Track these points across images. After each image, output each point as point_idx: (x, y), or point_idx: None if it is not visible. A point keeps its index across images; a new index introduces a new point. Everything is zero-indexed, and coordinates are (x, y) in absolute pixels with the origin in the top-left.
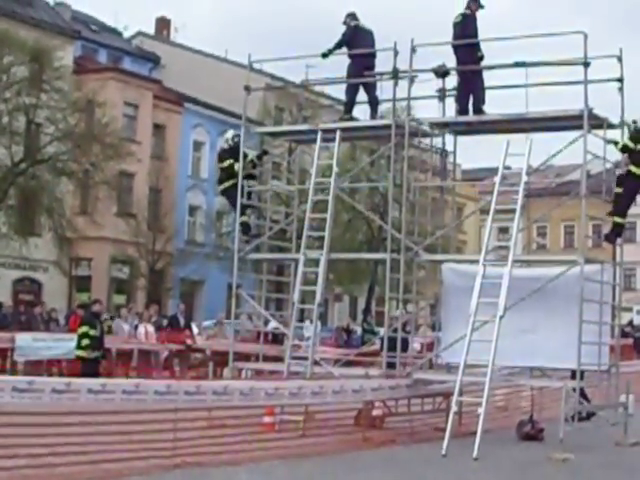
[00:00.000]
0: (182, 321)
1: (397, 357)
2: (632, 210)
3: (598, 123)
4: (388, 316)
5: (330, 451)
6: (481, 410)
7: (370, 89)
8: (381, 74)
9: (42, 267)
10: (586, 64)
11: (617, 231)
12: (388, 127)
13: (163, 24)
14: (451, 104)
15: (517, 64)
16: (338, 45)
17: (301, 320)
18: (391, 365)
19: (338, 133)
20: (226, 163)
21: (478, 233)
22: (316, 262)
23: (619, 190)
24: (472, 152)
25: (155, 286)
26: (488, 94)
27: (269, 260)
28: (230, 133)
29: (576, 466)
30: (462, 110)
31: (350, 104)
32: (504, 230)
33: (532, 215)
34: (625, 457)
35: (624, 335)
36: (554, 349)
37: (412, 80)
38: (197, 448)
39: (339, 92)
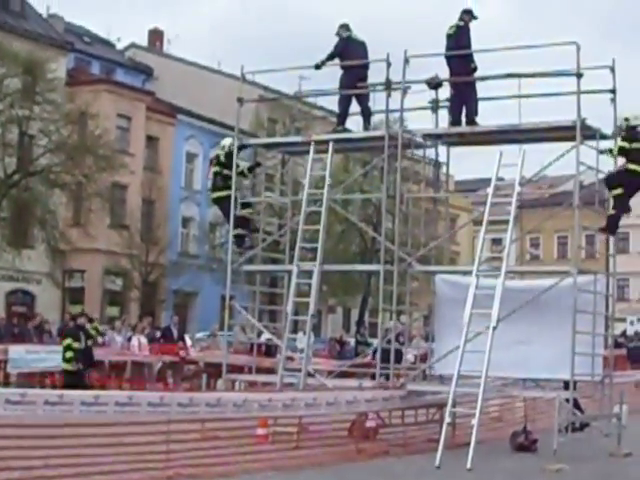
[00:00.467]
0: (175, 333)
1: (391, 368)
2: (625, 221)
3: (591, 134)
4: (381, 327)
5: (324, 463)
6: (475, 421)
7: (363, 100)
8: (374, 85)
9: (35, 279)
10: (579, 75)
11: (616, 225)
12: (381, 138)
13: (156, 36)
14: (444, 115)
15: (510, 75)
16: (330, 56)
17: (294, 332)
18: (385, 377)
19: (331, 144)
20: (213, 169)
21: (471, 244)
22: (309, 274)
23: (619, 191)
24: (465, 163)
25: (148, 298)
26: (481, 105)
27: (262, 272)
28: (228, 141)
29: (570, 477)
30: (455, 121)
31: (343, 115)
32: (497, 241)
33: (525, 226)
34: (619, 468)
35: (617, 346)
36: (547, 360)
37: (405, 91)
38: (190, 460)
39: (332, 103)
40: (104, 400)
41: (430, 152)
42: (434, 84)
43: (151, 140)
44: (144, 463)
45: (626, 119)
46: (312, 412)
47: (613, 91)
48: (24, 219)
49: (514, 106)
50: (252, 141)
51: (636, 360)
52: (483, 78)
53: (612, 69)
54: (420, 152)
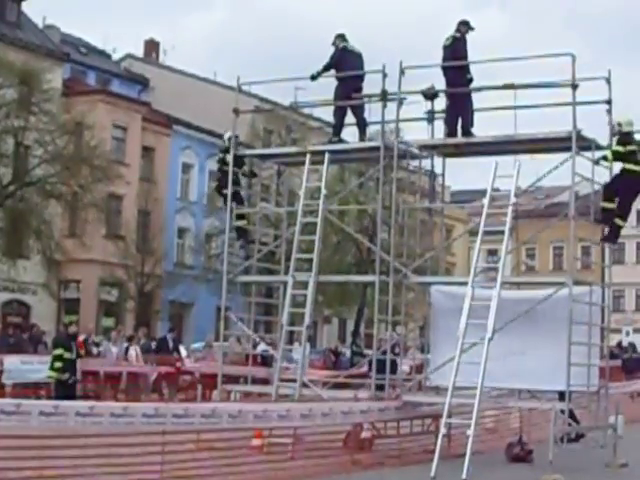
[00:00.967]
0: (171, 344)
1: (386, 379)
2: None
3: (586, 145)
4: (377, 338)
5: (319, 474)
6: (470, 432)
7: (358, 111)
8: (370, 96)
9: (31, 290)
10: (574, 86)
11: (616, 233)
12: (377, 149)
13: (152, 46)
14: (440, 126)
15: (505, 86)
16: (326, 67)
17: (290, 342)
18: (380, 387)
19: (327, 155)
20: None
21: (467, 255)
22: (305, 284)
23: (611, 205)
24: (461, 174)
25: (144, 308)
26: (477, 116)
27: (258, 282)
28: (228, 134)
29: None
30: (451, 132)
31: (339, 126)
32: (493, 252)
33: (521, 237)
34: (615, 479)
35: (613, 356)
36: (543, 371)
37: (401, 102)
38: (185, 471)
39: (328, 114)
40: (99, 411)
41: (426, 163)
42: (430, 95)
43: (147, 151)
44: (139, 474)
45: (619, 124)
46: (307, 423)
47: (609, 102)
48: (19, 229)
49: (510, 117)
50: (248, 152)
51: (631, 371)
52: (479, 89)
53: (608, 80)
54: (416, 163)
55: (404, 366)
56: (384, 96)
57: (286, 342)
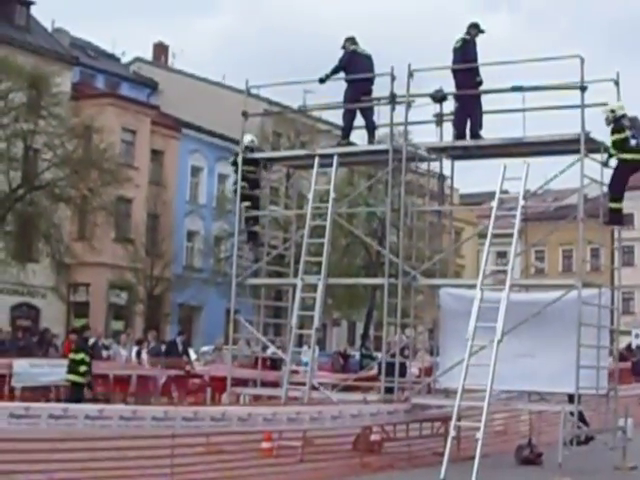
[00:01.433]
0: (180, 347)
1: (395, 382)
2: (630, 234)
3: (595, 147)
4: (386, 341)
5: (328, 476)
6: (479, 434)
7: (367, 114)
8: (378, 99)
9: (40, 293)
10: (583, 88)
11: (616, 217)
12: (385, 152)
13: (161, 50)
14: (448, 128)
15: (514, 89)
16: (335, 70)
17: (299, 345)
18: (389, 390)
19: (335, 158)
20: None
21: (476, 257)
22: (314, 287)
23: (618, 205)
24: (471, 176)
25: (153, 312)
26: (485, 118)
27: (267, 285)
28: (247, 138)
29: None
30: (459, 135)
31: (347, 129)
32: (502, 254)
33: (530, 239)
34: None
35: (622, 359)
36: (552, 373)
37: (409, 105)
38: (195, 474)
39: (337, 117)
40: (108, 414)
41: (435, 165)
42: (438, 97)
43: (156, 154)
44: (149, 477)
45: (612, 110)
46: (317, 426)
47: None
48: (29, 233)
49: (518, 119)
50: (257, 155)
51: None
52: (487, 91)
53: (616, 82)
54: (425, 165)
55: (413, 369)
56: (393, 99)
57: (295, 345)
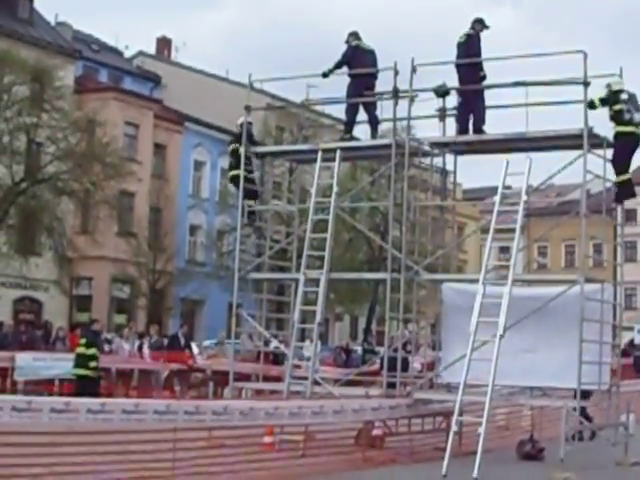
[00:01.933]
0: (183, 341)
1: (397, 377)
2: (632, 230)
3: (598, 142)
4: (388, 336)
5: (330, 471)
6: (481, 430)
7: (370, 109)
8: (381, 94)
9: (42, 286)
10: (586, 83)
11: (626, 190)
12: (388, 147)
13: (164, 44)
14: (451, 123)
15: (517, 83)
16: (338, 65)
17: (302, 340)
18: (391, 385)
19: (338, 153)
20: (231, 147)
21: (479, 252)
22: (316, 282)
23: (624, 177)
24: (474, 171)
25: (156, 306)
26: (488, 113)
27: (270, 280)
28: (241, 119)
29: None
30: (462, 130)
31: (350, 124)
32: (505, 249)
33: (533, 234)
34: (626, 477)
35: (624, 354)
36: (554, 368)
37: (412, 100)
38: (196, 468)
39: (340, 112)
40: (110, 408)
41: (438, 160)
42: (442, 92)
43: (159, 148)
44: (150, 471)
45: (608, 85)
46: (319, 420)
47: None
48: (32, 226)
49: (521, 114)
50: (260, 149)
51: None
52: (490, 86)
53: (620, 77)
54: (427, 160)
55: (415, 364)
56: (396, 93)
57: (297, 339)
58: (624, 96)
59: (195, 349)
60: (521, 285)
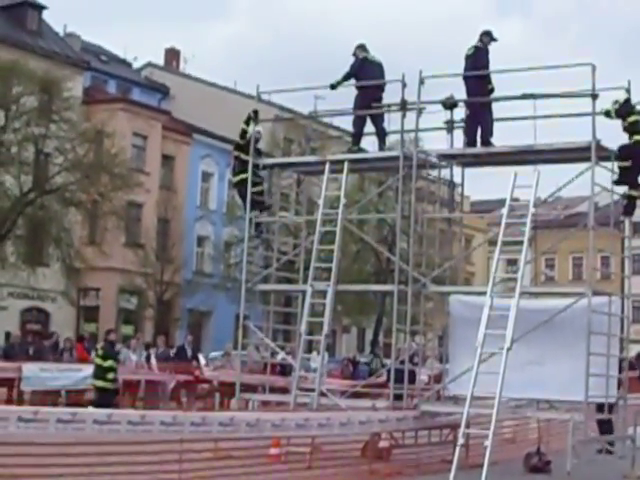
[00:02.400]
0: (189, 352)
1: (404, 389)
2: (639, 243)
3: (606, 155)
4: (395, 348)
5: None
6: (488, 442)
7: (378, 121)
8: (389, 106)
9: (50, 297)
10: (594, 96)
11: (633, 204)
12: (396, 159)
13: (172, 55)
14: (459, 136)
15: (525, 96)
16: (346, 77)
17: (309, 351)
18: (398, 397)
19: (346, 164)
20: (234, 154)
21: (486, 264)
22: (324, 293)
23: (626, 163)
24: (482, 183)
25: (163, 317)
26: (496, 126)
27: (277, 291)
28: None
29: None
30: (470, 142)
31: (358, 135)
32: (513, 262)
33: (540, 247)
34: None
35: (631, 367)
36: (561, 381)
37: (420, 112)
38: (203, 479)
39: (347, 124)
40: (117, 419)
41: (445, 172)
42: (449, 105)
43: (167, 159)
44: None
45: (616, 101)
46: (325, 432)
47: None
48: (39, 237)
49: (529, 127)
50: (268, 161)
51: None
52: (498, 99)
53: (627, 90)
54: (435, 172)
55: (422, 376)
56: (403, 106)
57: (305, 351)
58: (638, 107)
59: (202, 360)
60: (528, 298)
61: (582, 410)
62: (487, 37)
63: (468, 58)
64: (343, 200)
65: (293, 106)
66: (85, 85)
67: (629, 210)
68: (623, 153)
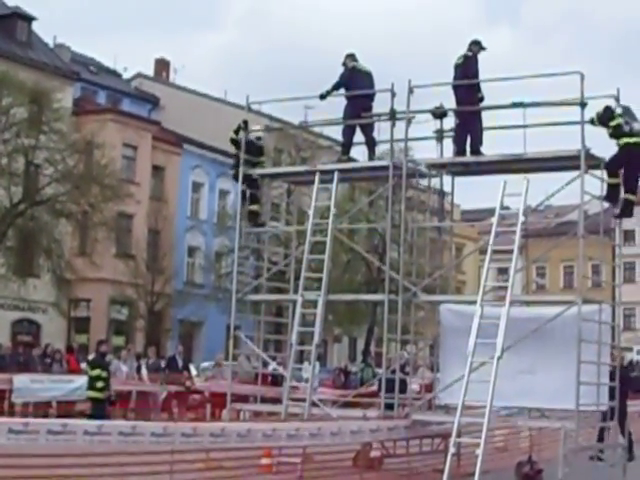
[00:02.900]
0: (180, 362)
1: (396, 398)
2: (631, 250)
3: (595, 163)
4: (386, 357)
5: None
6: (479, 451)
7: (367, 130)
8: (379, 115)
9: (41, 308)
10: (583, 104)
11: (630, 208)
12: (386, 168)
13: (162, 65)
14: (449, 145)
15: (514, 104)
16: (336, 86)
17: (300, 361)
18: (389, 406)
19: (336, 174)
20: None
21: (477, 273)
22: (314, 303)
23: (615, 180)
24: (472, 192)
25: (154, 327)
26: (486, 135)
27: (267, 301)
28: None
29: None
30: (460, 151)
31: (348, 145)
32: (503, 270)
33: (531, 255)
34: None
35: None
36: (553, 389)
37: (409, 121)
38: None
39: (337, 133)
40: (107, 430)
41: (435, 182)
42: (439, 114)
43: (157, 170)
44: None
45: (597, 113)
46: (316, 442)
47: None
48: (30, 248)
49: (519, 135)
50: (258, 171)
51: (638, 390)
52: (487, 108)
53: (617, 98)
54: (425, 182)
55: (414, 385)
56: (393, 115)
57: (296, 361)
58: (618, 110)
59: (193, 371)
60: (519, 306)
61: (573, 418)
62: (476, 46)
63: (457, 67)
64: (333, 210)
65: (283, 116)
66: (75, 96)
67: (627, 213)
68: (611, 168)
